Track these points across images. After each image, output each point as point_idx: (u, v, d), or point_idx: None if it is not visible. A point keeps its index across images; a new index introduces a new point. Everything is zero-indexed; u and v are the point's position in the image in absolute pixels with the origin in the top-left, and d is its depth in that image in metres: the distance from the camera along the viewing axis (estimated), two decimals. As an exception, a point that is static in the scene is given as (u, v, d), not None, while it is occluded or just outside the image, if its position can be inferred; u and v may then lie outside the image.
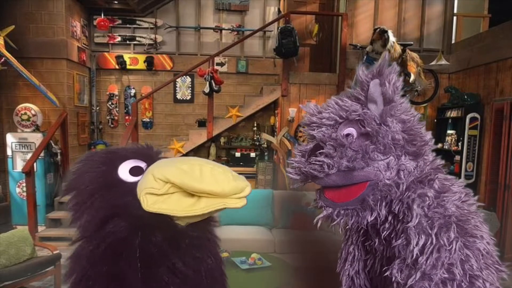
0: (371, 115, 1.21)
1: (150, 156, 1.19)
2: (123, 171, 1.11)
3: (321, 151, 1.21)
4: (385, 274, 1.18)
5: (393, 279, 1.13)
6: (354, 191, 1.20)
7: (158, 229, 1.02)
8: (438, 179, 1.20)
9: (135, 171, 1.11)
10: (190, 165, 1.02)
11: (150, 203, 1.00)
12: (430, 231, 1.07)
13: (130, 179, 1.09)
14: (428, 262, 1.06)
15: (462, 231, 1.10)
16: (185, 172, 1.00)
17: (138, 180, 1.09)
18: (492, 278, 1.10)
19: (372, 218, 1.21)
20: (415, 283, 1.07)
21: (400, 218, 1.16)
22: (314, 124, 1.31)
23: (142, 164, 1.13)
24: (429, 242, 1.07)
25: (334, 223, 1.26)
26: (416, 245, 1.07)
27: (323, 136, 1.24)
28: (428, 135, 1.29)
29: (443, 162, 1.32)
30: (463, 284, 1.06)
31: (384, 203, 1.20)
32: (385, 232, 1.22)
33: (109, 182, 1.09)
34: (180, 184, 0.99)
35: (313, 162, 1.21)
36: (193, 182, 0.98)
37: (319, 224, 1.30)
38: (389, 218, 1.21)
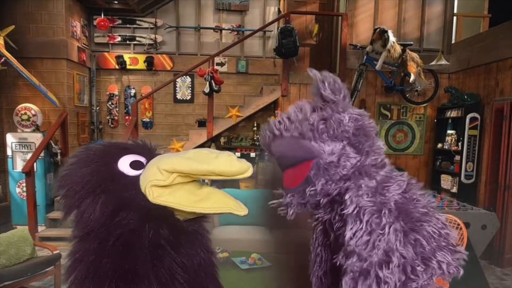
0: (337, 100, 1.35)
1: (149, 151, 1.18)
2: (124, 165, 1.09)
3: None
4: (334, 260, 1.24)
5: (338, 263, 1.20)
6: (301, 172, 1.30)
7: (164, 221, 1.01)
8: (383, 171, 1.28)
9: (135, 165, 1.09)
10: (195, 153, 1.03)
11: (156, 195, 1.00)
12: (362, 217, 1.15)
13: (131, 172, 1.07)
14: (358, 243, 1.13)
15: (407, 217, 1.17)
16: (191, 159, 1.00)
17: (139, 174, 1.07)
18: (447, 258, 1.15)
19: (311, 189, 1.30)
20: (352, 263, 1.14)
21: (342, 207, 1.24)
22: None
23: (142, 159, 1.12)
24: (360, 227, 1.15)
25: (287, 204, 1.40)
26: (350, 230, 1.15)
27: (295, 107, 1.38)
28: (379, 142, 1.37)
29: (388, 161, 1.39)
30: (418, 268, 1.12)
31: (323, 179, 1.29)
32: (336, 224, 1.30)
33: (111, 174, 1.06)
34: (189, 171, 0.98)
35: (279, 119, 1.34)
36: (201, 165, 0.98)
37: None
38: (336, 208, 1.29)
